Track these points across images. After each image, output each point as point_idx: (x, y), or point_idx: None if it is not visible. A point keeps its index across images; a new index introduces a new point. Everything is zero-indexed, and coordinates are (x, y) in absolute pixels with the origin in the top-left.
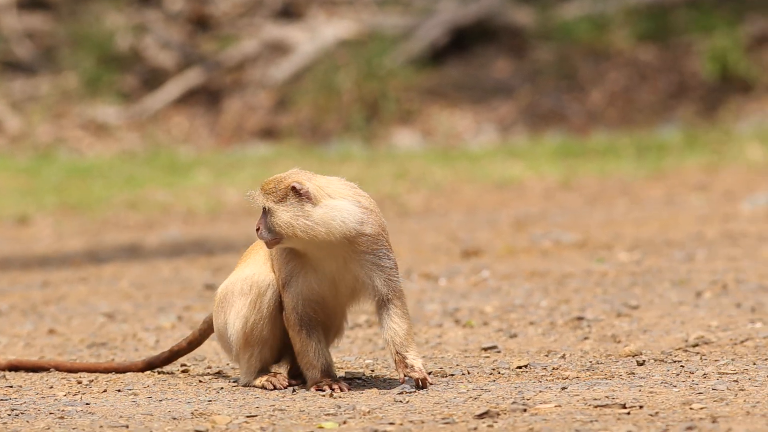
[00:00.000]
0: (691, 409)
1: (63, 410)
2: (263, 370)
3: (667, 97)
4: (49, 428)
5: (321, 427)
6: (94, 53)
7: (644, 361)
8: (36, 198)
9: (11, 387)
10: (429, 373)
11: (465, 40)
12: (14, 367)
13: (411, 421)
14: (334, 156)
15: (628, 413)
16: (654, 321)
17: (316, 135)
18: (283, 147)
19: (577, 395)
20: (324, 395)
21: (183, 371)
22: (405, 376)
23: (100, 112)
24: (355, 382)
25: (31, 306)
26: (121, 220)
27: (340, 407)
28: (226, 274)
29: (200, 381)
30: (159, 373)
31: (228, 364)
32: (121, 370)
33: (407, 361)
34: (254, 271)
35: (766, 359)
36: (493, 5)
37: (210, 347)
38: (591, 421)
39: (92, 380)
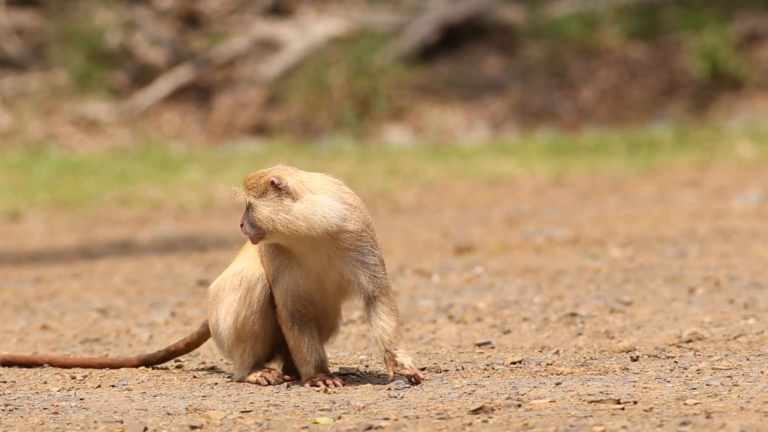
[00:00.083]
0: (685, 404)
1: (57, 405)
2: (257, 366)
3: (657, 95)
4: (43, 423)
5: (316, 423)
6: (83, 50)
7: (638, 356)
8: (27, 194)
9: (5, 382)
10: (422, 369)
11: (455, 38)
12: (8, 363)
13: (406, 417)
14: (325, 153)
15: (623, 408)
16: (647, 317)
17: (308, 132)
18: (275, 144)
19: (572, 391)
20: (318, 391)
21: (177, 367)
22: (394, 374)
23: (91, 108)
24: (350, 377)
25: (23, 302)
26: (112, 217)
27: (334, 402)
28: (219, 270)
29: (194, 377)
30: (153, 368)
31: (222, 360)
32: (116, 365)
33: (397, 359)
34: (243, 267)
35: (759, 355)
36: (482, 3)
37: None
38: (585, 417)
39: (86, 375)
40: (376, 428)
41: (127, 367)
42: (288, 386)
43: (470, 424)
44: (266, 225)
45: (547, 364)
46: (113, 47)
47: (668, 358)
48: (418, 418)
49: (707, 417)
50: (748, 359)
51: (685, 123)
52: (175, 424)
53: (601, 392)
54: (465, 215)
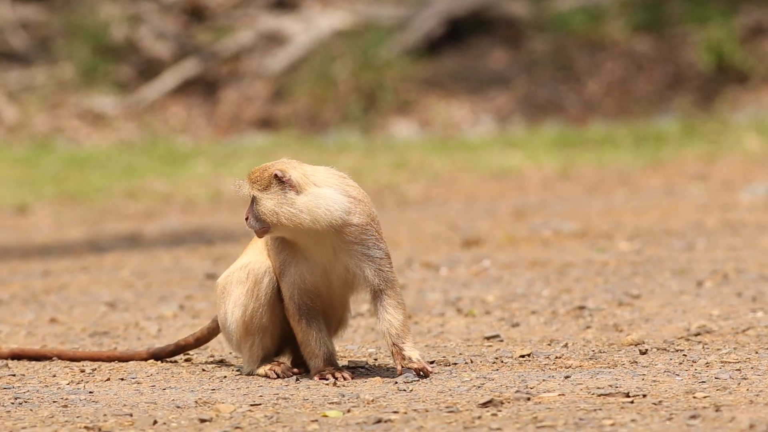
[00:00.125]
0: (694, 397)
1: (66, 398)
2: (266, 359)
3: (663, 88)
4: (52, 416)
5: (325, 416)
6: (89, 43)
7: (647, 350)
8: (34, 188)
9: (14, 375)
10: (431, 363)
11: (460, 31)
12: (17, 356)
13: (415, 410)
14: (332, 146)
15: (632, 402)
16: (655, 310)
17: (314, 125)
18: (281, 137)
19: (581, 384)
20: (327, 384)
21: (186, 360)
22: (402, 367)
23: (97, 102)
24: (359, 370)
25: (32, 295)
26: (120, 210)
27: (343, 396)
28: (227, 263)
29: (203, 370)
30: (162, 362)
31: (231, 353)
32: (125, 359)
33: (404, 352)
34: (251, 260)
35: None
36: None
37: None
38: (595, 410)
39: (95, 369)
40: (386, 421)
41: (136, 360)
42: (297, 379)
43: (479, 417)
44: (270, 218)
45: (556, 358)
46: (119, 41)
47: (677, 351)
48: (427, 411)
49: (716, 410)
50: (756, 352)
51: (692, 116)
52: (185, 417)
53: (610, 385)
54: (472, 208)
